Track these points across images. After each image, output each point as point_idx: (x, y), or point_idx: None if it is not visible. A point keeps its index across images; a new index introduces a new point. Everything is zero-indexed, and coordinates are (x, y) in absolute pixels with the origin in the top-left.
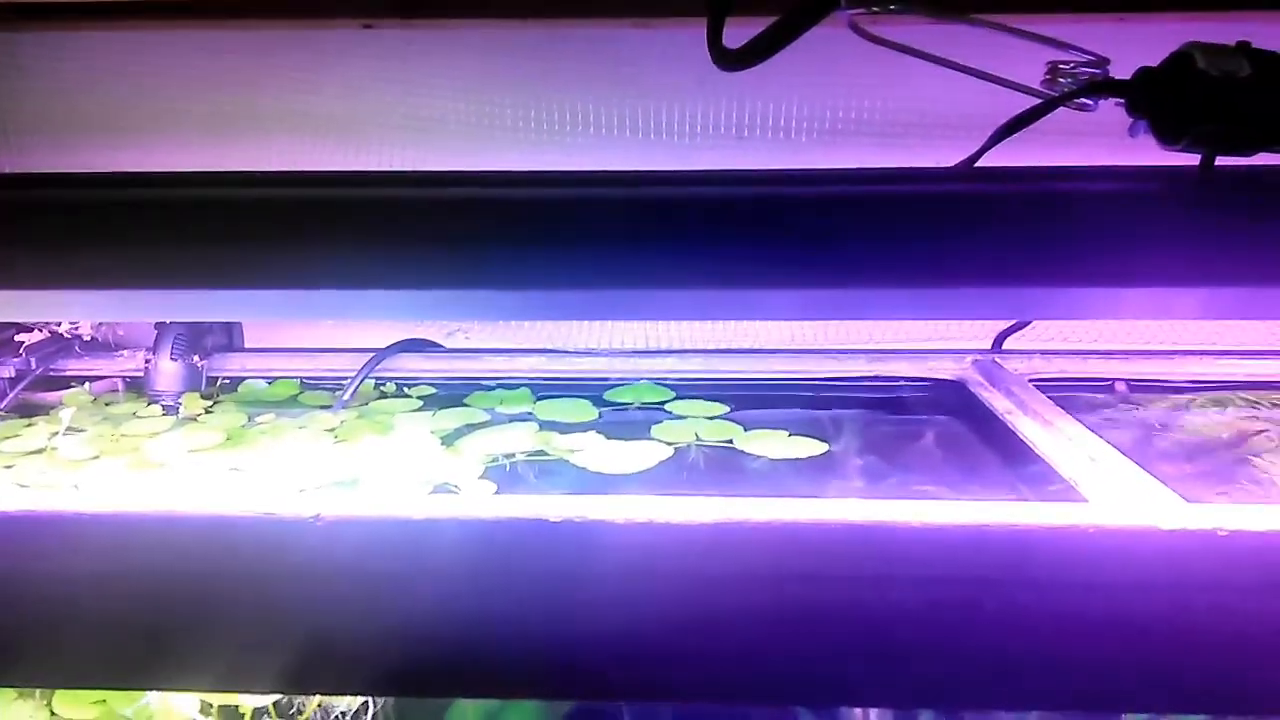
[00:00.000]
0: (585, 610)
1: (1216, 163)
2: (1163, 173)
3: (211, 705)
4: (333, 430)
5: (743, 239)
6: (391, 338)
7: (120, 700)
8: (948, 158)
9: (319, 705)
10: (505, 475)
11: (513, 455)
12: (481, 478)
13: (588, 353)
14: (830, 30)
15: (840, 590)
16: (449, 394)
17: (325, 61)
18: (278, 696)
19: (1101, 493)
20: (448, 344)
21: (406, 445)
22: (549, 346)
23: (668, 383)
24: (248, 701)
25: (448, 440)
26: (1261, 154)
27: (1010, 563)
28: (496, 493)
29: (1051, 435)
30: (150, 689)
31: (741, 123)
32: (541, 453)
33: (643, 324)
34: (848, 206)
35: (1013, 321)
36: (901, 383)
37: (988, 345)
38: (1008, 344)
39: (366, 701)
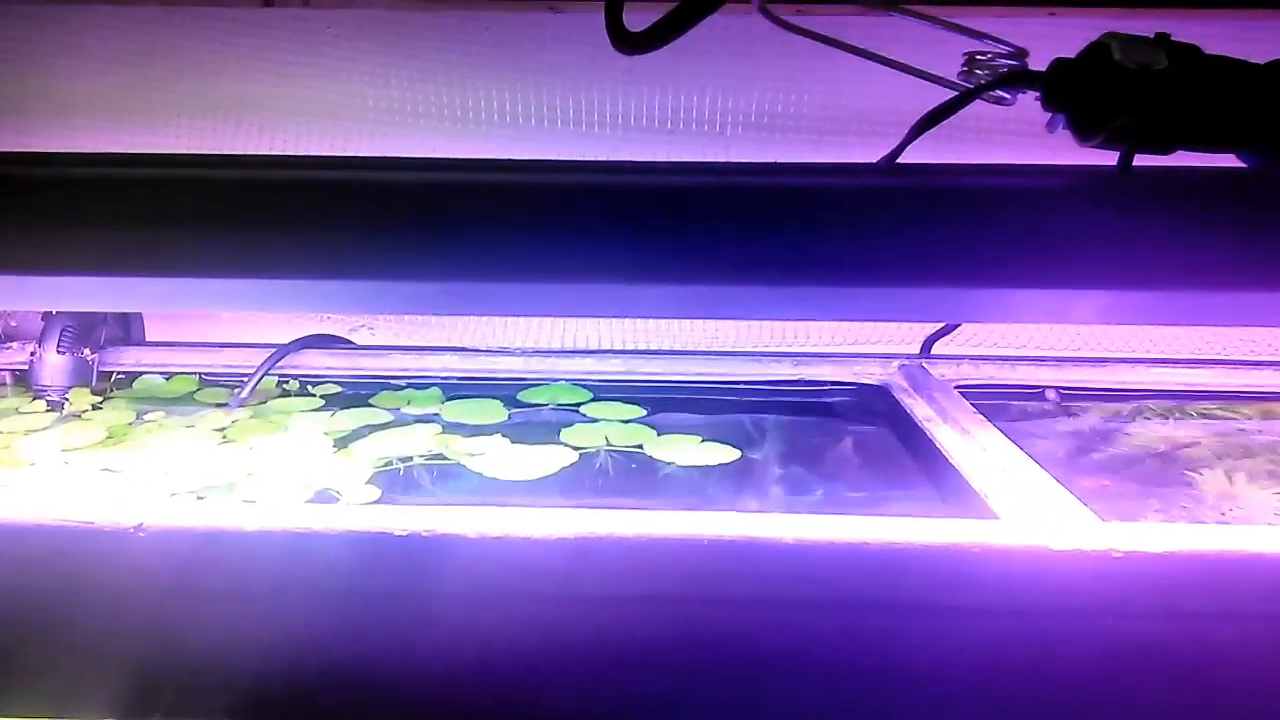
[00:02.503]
0: (431, 631)
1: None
2: (1083, 171)
3: None
4: (222, 430)
5: (648, 232)
6: (302, 332)
7: None
8: (881, 153)
9: None
10: (395, 480)
11: (409, 459)
12: (369, 483)
13: (502, 351)
14: (762, 22)
15: (704, 611)
16: (355, 393)
17: (226, 42)
18: None
19: (1009, 506)
20: (347, 340)
21: (295, 447)
22: (461, 345)
23: (587, 384)
24: None
25: (342, 442)
26: (1180, 152)
27: (888, 583)
28: (380, 499)
29: (968, 445)
30: None
31: (675, 115)
32: (440, 456)
33: (563, 323)
34: (761, 200)
35: (940, 325)
36: (826, 387)
37: (917, 350)
38: (937, 349)
39: None
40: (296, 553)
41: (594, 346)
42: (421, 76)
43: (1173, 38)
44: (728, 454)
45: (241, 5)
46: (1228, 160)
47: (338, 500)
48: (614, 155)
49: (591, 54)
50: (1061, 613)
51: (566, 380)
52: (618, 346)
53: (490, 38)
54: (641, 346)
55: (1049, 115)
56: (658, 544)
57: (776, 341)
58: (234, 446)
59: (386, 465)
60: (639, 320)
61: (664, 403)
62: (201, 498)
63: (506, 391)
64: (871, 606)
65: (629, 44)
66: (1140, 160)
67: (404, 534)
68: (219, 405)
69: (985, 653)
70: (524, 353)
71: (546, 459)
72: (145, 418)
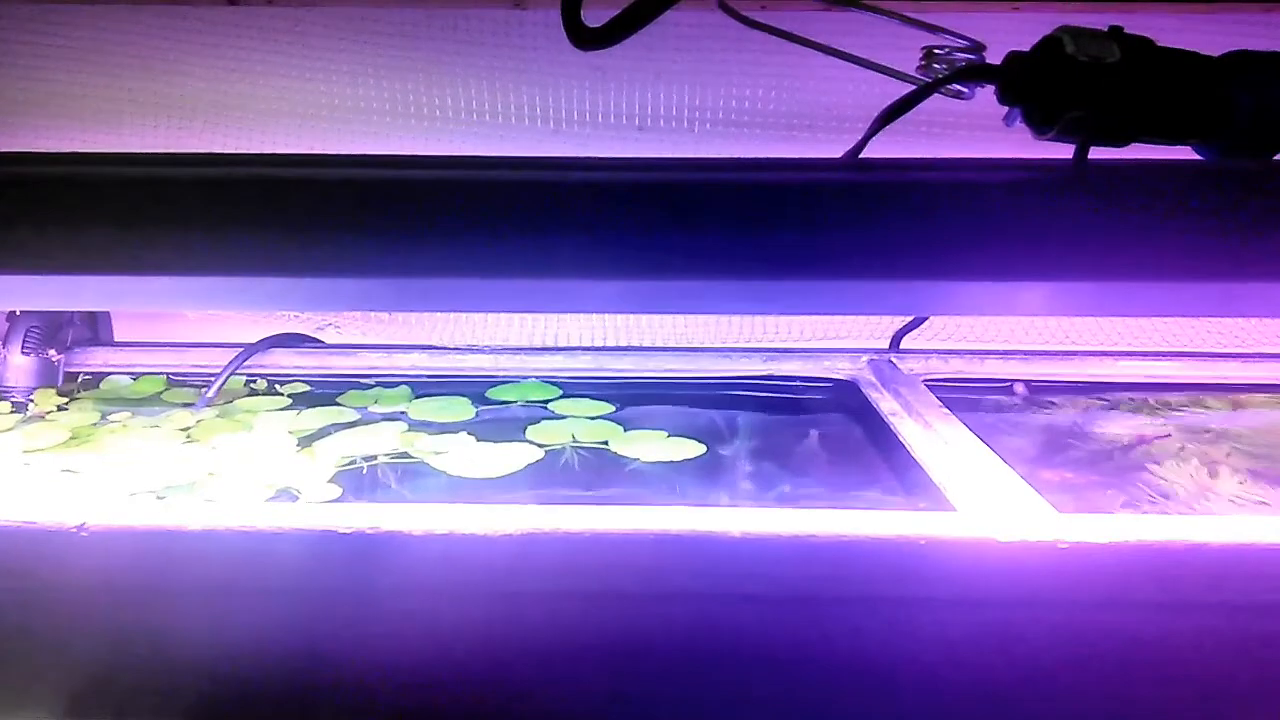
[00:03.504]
0: (377, 628)
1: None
2: (1039, 164)
3: None
4: (187, 430)
5: (610, 228)
6: (272, 331)
7: None
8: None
9: None
10: (357, 479)
11: (373, 458)
12: (330, 482)
13: (470, 349)
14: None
15: (651, 606)
16: (323, 392)
17: (193, 41)
18: None
19: (967, 499)
20: (316, 339)
21: (259, 446)
22: (430, 343)
23: (556, 381)
24: None
25: (306, 441)
26: (1135, 145)
27: (834, 576)
28: (340, 498)
29: (930, 439)
30: None
31: (645, 111)
32: (405, 455)
33: (533, 319)
34: (723, 195)
35: (909, 319)
36: (795, 382)
37: (886, 344)
38: (906, 343)
39: None
40: (241, 552)
41: (564, 343)
42: (389, 74)
43: (1125, 30)
44: (693, 449)
45: (207, 5)
46: (1185, 153)
47: (297, 499)
48: (584, 152)
49: (561, 51)
50: (1008, 603)
51: (536, 377)
52: (588, 343)
53: (459, 35)
54: (612, 343)
55: (1006, 109)
56: (603, 539)
57: (746, 337)
58: (197, 446)
59: (350, 464)
60: (610, 316)
61: (634, 399)
62: (161, 498)
63: (476, 389)
64: (818, 599)
65: (586, 40)
66: (1098, 153)
67: (348, 532)
68: (185, 405)
69: (933, 644)
70: (493, 350)
71: (511, 457)
72: (110, 418)
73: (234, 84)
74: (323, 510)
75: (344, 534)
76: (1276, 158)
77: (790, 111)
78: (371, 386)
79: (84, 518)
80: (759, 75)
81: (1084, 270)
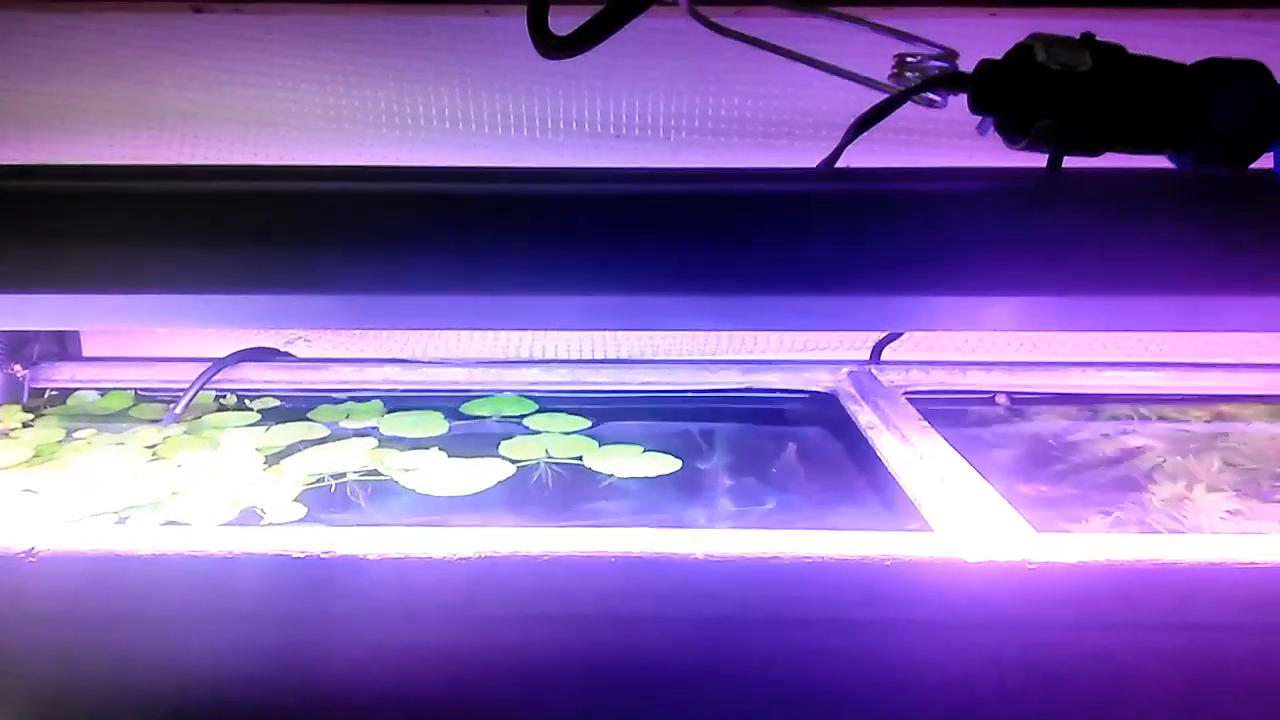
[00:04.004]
0: (330, 654)
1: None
2: (1012, 174)
3: None
4: (153, 447)
5: (580, 242)
6: (243, 344)
7: None
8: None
9: None
10: (324, 498)
11: (342, 475)
12: (296, 500)
13: (443, 362)
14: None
15: (610, 630)
16: (294, 407)
17: (159, 48)
18: None
19: (942, 516)
20: (287, 352)
21: (225, 464)
22: (403, 356)
23: (532, 395)
24: None
25: (275, 458)
26: (1112, 154)
27: (796, 597)
28: (305, 518)
29: (907, 453)
30: None
31: (619, 119)
32: (374, 472)
33: (509, 333)
34: (694, 207)
35: (886, 333)
36: (774, 395)
37: (867, 355)
38: (887, 354)
39: None
40: (193, 577)
41: (540, 356)
42: (360, 81)
43: (1097, 38)
44: (669, 465)
45: (173, 11)
46: (1160, 161)
47: (261, 519)
48: (560, 161)
49: (536, 57)
50: (976, 625)
51: (512, 391)
52: (564, 356)
53: (432, 41)
54: (589, 355)
55: (979, 118)
56: (563, 562)
57: (725, 349)
58: (163, 464)
59: (317, 482)
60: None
61: (611, 413)
62: (123, 518)
63: (450, 403)
64: (782, 622)
65: (552, 48)
66: (1072, 162)
67: (303, 556)
68: (153, 422)
69: (900, 666)
70: (468, 363)
71: (483, 473)
72: (75, 435)
73: (202, 92)
74: (277, 534)
75: (298, 559)
76: (1252, 166)
77: (769, 119)
78: (343, 401)
79: (33, 542)
80: (738, 82)
81: (1052, 284)
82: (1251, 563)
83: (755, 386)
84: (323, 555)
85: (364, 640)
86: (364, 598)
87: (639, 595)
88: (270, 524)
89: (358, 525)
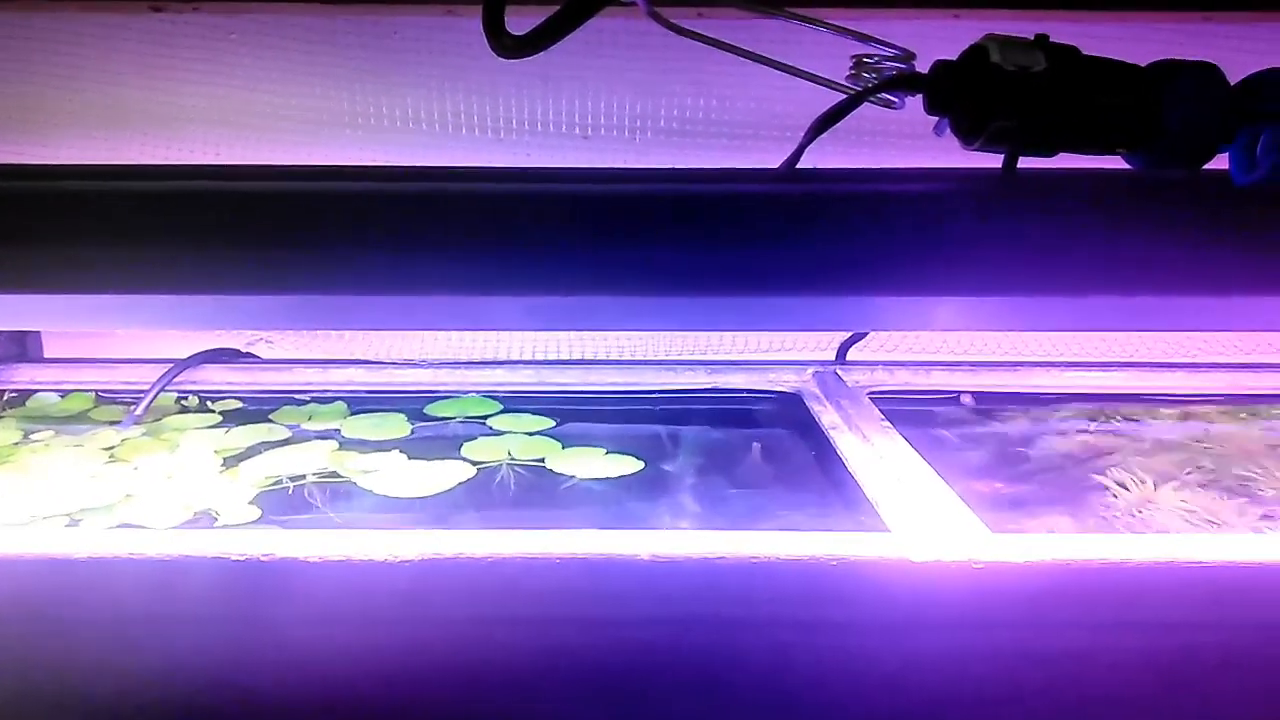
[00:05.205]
0: (271, 658)
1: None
2: (968, 175)
3: None
4: (111, 449)
5: (539, 243)
6: (206, 345)
7: None
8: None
9: None
10: (280, 500)
11: (300, 477)
12: (251, 503)
13: (408, 364)
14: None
15: (555, 632)
16: (257, 409)
17: (117, 49)
18: None
19: (899, 516)
20: (250, 353)
21: (182, 466)
22: (366, 357)
23: (498, 395)
24: None
25: (233, 460)
26: (1068, 156)
27: (742, 598)
28: (260, 520)
29: (867, 453)
30: None
31: (586, 120)
32: (333, 474)
33: (474, 333)
34: (652, 207)
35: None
36: (740, 395)
37: (833, 355)
38: (853, 354)
39: None
40: (130, 580)
41: (505, 357)
42: (325, 81)
43: (1051, 39)
44: (631, 466)
45: (130, 11)
46: (1115, 162)
47: (215, 521)
48: (528, 162)
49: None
50: (924, 626)
51: (477, 392)
52: (529, 356)
53: (398, 41)
54: (554, 356)
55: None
56: (507, 564)
57: (691, 349)
58: (120, 466)
59: (275, 484)
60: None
61: (576, 413)
62: (76, 521)
63: (414, 405)
64: (725, 622)
65: (509, 47)
66: (1027, 163)
67: (242, 559)
68: (113, 424)
69: (847, 667)
70: (432, 365)
71: (443, 475)
72: (33, 437)
73: (162, 92)
74: (217, 537)
75: (237, 561)
76: (1206, 167)
77: (735, 120)
78: (307, 402)
79: None
80: (704, 83)
81: (1008, 285)
82: (1200, 561)
83: (720, 387)
84: (262, 558)
85: (304, 644)
86: (304, 601)
87: (584, 598)
88: (223, 526)
89: (310, 528)
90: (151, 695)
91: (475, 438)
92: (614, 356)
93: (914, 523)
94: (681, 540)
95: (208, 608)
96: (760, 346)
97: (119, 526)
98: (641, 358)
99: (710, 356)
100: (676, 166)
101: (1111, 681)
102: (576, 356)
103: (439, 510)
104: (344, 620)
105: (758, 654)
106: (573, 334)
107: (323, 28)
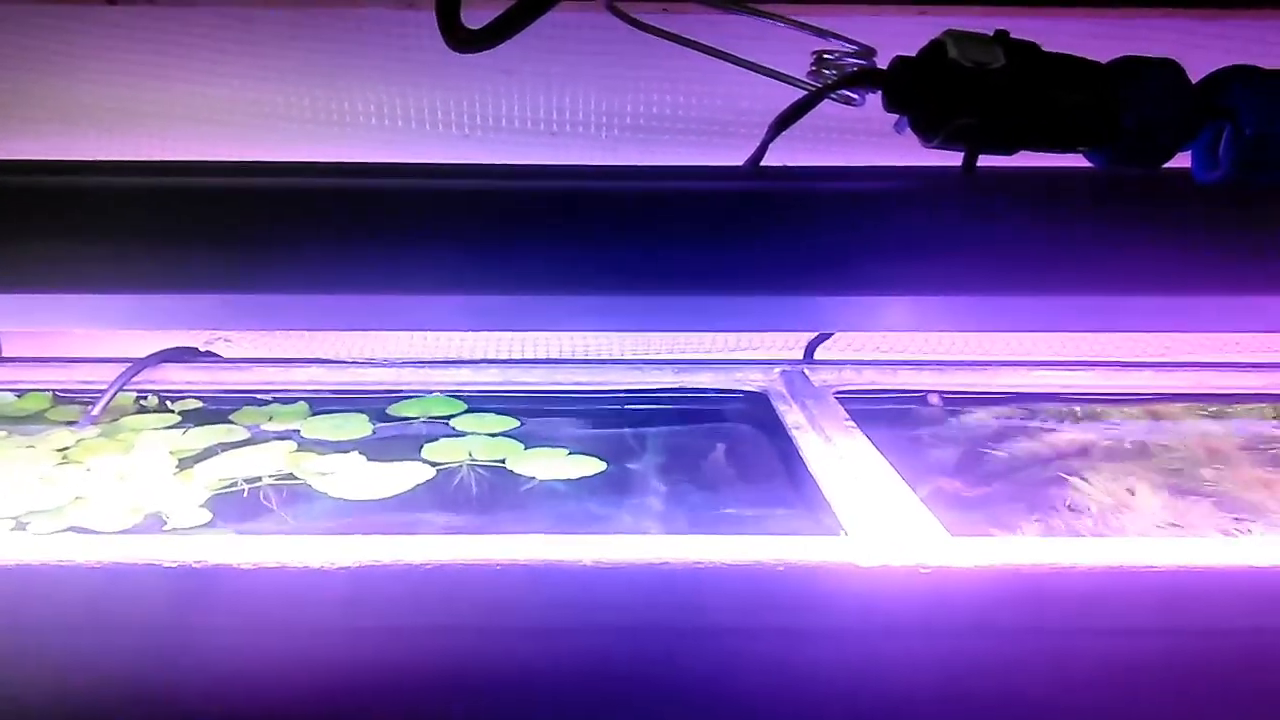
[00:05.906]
0: (204, 665)
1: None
2: (928, 173)
3: None
4: (65, 450)
5: (499, 241)
6: (166, 344)
7: None
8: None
9: None
10: (233, 503)
11: (256, 479)
12: (203, 506)
13: (369, 363)
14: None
15: (495, 641)
16: (216, 409)
17: (73, 43)
18: None
19: (856, 518)
20: (210, 352)
21: (136, 468)
22: (327, 356)
23: (462, 395)
24: None
25: (188, 462)
26: (1028, 153)
27: (689, 604)
28: (210, 524)
29: (828, 453)
30: None
31: (551, 117)
32: (289, 476)
33: (438, 332)
34: (614, 205)
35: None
36: (707, 394)
37: (801, 355)
38: (820, 353)
39: None
40: (63, 587)
41: (470, 356)
42: (290, 77)
43: (1011, 35)
44: (593, 466)
45: (85, 5)
46: (1075, 160)
47: (165, 525)
48: (494, 159)
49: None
50: (871, 631)
51: (441, 391)
52: (494, 355)
53: (362, 36)
54: (519, 355)
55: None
56: (446, 571)
57: (658, 348)
58: (72, 468)
59: (229, 486)
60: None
61: (541, 413)
62: (23, 524)
63: (377, 404)
64: (671, 630)
65: (463, 41)
66: (987, 161)
67: (174, 566)
68: (69, 423)
69: (791, 673)
70: (396, 364)
71: (401, 477)
72: None
73: (119, 87)
74: (150, 543)
75: (170, 568)
76: (1166, 165)
77: (703, 116)
78: (268, 402)
79: None
80: (672, 80)
81: (969, 284)
82: (1155, 566)
83: (687, 386)
84: (195, 565)
85: (238, 653)
86: (237, 609)
87: (526, 605)
88: (171, 531)
89: (259, 533)
90: (82, 705)
91: (437, 438)
92: (581, 356)
93: (870, 525)
94: (625, 546)
95: (140, 616)
96: (729, 346)
97: (65, 530)
98: (609, 357)
99: (679, 356)
100: (644, 164)
101: (1063, 687)
102: (543, 356)
103: (393, 513)
104: (278, 629)
105: (703, 661)
106: (539, 334)
107: (284, 20)
